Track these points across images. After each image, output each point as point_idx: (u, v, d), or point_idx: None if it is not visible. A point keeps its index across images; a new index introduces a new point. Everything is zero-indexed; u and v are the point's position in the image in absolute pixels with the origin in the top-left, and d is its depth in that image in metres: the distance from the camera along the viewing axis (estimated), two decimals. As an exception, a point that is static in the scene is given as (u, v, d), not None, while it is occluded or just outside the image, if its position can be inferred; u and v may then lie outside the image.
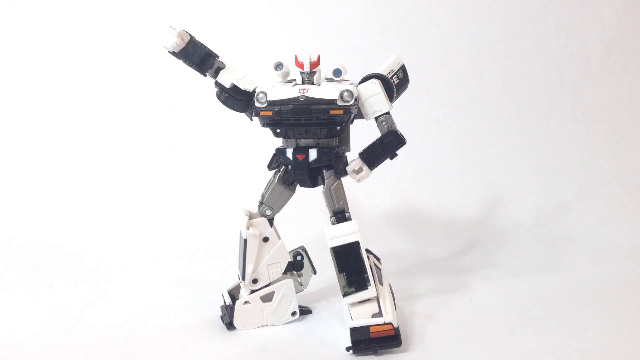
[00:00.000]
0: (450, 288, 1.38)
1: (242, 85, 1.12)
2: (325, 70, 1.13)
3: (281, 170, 1.17)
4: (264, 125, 1.12)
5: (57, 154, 1.83)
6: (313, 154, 1.14)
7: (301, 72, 1.11)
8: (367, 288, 1.11)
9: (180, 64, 1.13)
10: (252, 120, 1.17)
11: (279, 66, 1.10)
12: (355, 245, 1.11)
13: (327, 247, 1.12)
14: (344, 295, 1.12)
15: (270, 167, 1.18)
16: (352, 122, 1.15)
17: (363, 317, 1.10)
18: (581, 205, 1.80)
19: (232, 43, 1.84)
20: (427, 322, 1.21)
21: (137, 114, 1.87)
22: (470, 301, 1.31)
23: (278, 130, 1.12)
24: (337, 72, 1.10)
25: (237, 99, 1.14)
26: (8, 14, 1.85)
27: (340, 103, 1.08)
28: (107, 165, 1.83)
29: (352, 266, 1.11)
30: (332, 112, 1.07)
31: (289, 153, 1.15)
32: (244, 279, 1.19)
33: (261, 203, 1.18)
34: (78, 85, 1.86)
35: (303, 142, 1.14)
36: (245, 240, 1.16)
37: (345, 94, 1.08)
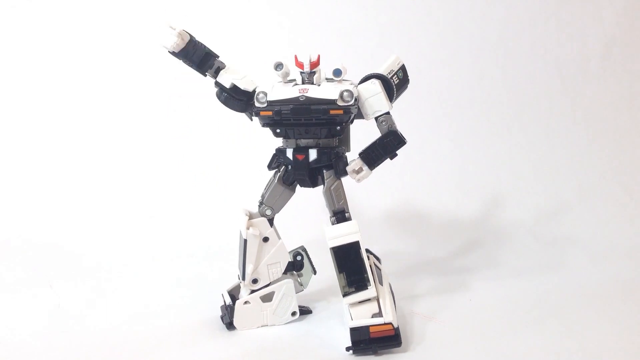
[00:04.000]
0: (450, 288, 1.38)
1: (242, 85, 1.12)
2: (325, 70, 1.13)
3: (281, 170, 1.17)
4: (264, 125, 1.12)
5: (57, 154, 1.83)
6: (313, 154, 1.14)
7: (301, 72, 1.11)
8: (367, 288, 1.11)
9: (180, 63, 1.13)
10: (252, 120, 1.17)
11: (279, 66, 1.10)
12: (355, 246, 1.11)
13: (327, 247, 1.12)
14: (344, 295, 1.12)
15: (270, 167, 1.18)
16: (352, 122, 1.15)
17: (363, 317, 1.10)
18: (581, 205, 1.79)
19: (232, 43, 1.84)
20: (427, 322, 1.21)
21: (137, 113, 1.87)
22: (470, 301, 1.31)
23: (278, 131, 1.12)
24: (337, 72, 1.10)
25: (237, 99, 1.13)
26: (8, 14, 1.85)
27: (340, 103, 1.08)
28: (107, 165, 1.83)
29: (352, 266, 1.11)
30: (332, 112, 1.08)
31: (289, 153, 1.15)
32: (244, 279, 1.19)
33: (261, 203, 1.18)
34: (78, 85, 1.86)
35: (303, 142, 1.14)
36: (245, 241, 1.16)
37: (345, 94, 1.08)
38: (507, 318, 1.23)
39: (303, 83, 1.11)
